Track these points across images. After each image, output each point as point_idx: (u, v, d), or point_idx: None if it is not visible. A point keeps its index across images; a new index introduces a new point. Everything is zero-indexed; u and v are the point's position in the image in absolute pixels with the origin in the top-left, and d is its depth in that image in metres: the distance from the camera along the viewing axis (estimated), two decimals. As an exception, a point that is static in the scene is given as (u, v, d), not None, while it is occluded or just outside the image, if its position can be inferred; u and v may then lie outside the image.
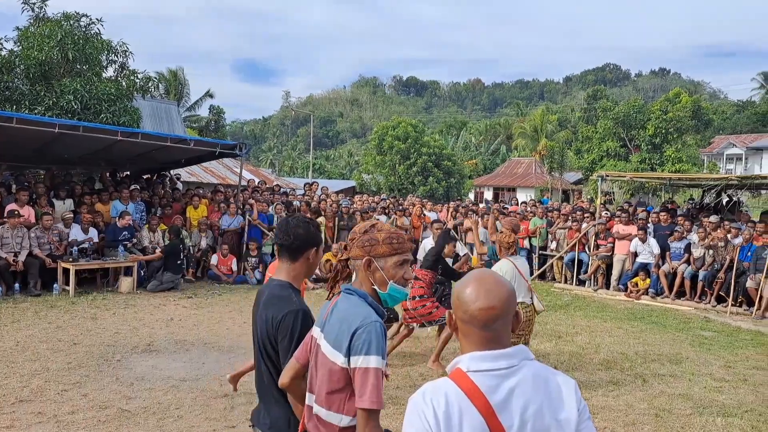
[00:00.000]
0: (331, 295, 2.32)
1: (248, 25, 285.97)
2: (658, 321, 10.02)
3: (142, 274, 11.13)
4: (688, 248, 11.92)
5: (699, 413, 5.58)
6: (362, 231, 2.23)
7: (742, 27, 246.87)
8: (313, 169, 48.32)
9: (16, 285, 9.85)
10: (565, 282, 13.41)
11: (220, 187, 14.99)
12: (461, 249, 9.85)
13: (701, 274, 11.57)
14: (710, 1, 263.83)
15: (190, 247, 12.30)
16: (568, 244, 13.40)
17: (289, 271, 2.55)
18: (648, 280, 12.15)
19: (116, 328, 8.12)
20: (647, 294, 12.03)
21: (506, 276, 5.85)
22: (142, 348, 7.21)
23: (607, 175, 15.55)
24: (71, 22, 14.54)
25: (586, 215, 13.84)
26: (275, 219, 13.27)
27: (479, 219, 13.49)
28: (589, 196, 28.38)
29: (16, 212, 10.08)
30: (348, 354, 2.02)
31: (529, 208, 15.77)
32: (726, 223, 12.11)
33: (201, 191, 13.99)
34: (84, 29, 14.70)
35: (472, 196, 39.34)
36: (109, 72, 15.59)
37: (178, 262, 11.17)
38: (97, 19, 14.97)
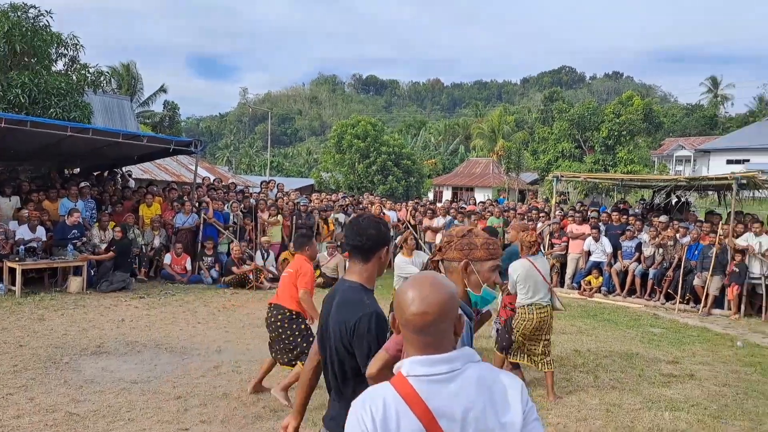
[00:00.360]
0: None
1: (204, 20, 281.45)
2: (610, 318, 10.26)
3: (93, 274, 10.80)
4: (639, 247, 12.26)
5: (648, 408, 5.73)
6: (460, 235, 2.30)
7: (691, 33, 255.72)
8: (270, 167, 47.84)
9: (-42, 285, 9.45)
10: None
11: (174, 185, 14.67)
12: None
13: (651, 272, 11.92)
14: (661, 8, 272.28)
15: (143, 246, 12.01)
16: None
17: (361, 272, 2.52)
18: (601, 279, 12.45)
19: (65, 329, 7.86)
20: (600, 292, 12.32)
21: (518, 276, 5.80)
22: (92, 350, 7.00)
23: (562, 176, 15.86)
24: (19, 13, 14.00)
25: (541, 215, 14.08)
26: (231, 217, 13.08)
27: (471, 220, 13.49)
28: (544, 196, 28.92)
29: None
30: None
31: (487, 208, 15.94)
32: (675, 222, 12.50)
33: (155, 189, 13.66)
34: (32, 21, 14.16)
35: (431, 195, 39.57)
36: (59, 65, 15.11)
37: (129, 260, 10.91)
38: (46, 11, 14.45)
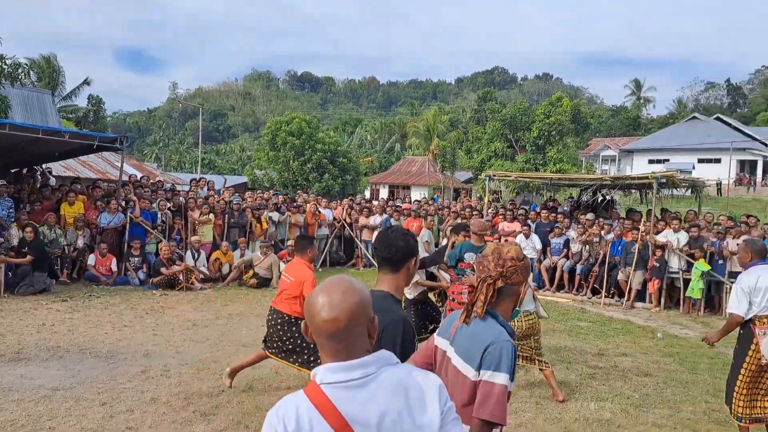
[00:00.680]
0: (465, 317, 2.37)
1: (132, 10, 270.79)
2: (539, 313, 10.55)
3: (10, 276, 10.21)
4: (567, 244, 12.69)
5: (575, 399, 5.93)
6: (519, 258, 2.39)
7: (615, 37, 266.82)
8: (202, 164, 46.65)
9: None
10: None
11: (99, 183, 14.06)
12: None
13: (578, 268, 12.36)
14: (587, 12, 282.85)
15: (65, 247, 11.46)
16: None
17: (390, 282, 2.62)
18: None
19: (-22, 336, 7.40)
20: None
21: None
22: (10, 356, 6.62)
23: (495, 175, 16.22)
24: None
25: (474, 212, 14.34)
26: (159, 216, 12.66)
27: (427, 219, 13.49)
28: (478, 195, 29.50)
29: None
30: (479, 368, 2.19)
31: (422, 206, 16.10)
32: (600, 220, 13.01)
33: (78, 187, 13.04)
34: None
35: (368, 193, 39.67)
36: (-29, 56, 14.17)
37: (47, 261, 10.38)
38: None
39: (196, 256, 12.20)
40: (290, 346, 5.67)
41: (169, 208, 12.87)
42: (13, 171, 14.31)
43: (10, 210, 11.20)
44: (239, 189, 19.32)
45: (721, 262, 11.04)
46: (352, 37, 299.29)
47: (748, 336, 4.67)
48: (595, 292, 12.14)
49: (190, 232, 12.70)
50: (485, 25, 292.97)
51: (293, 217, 14.54)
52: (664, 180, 12.52)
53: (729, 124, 49.09)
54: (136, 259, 11.86)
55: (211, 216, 13.00)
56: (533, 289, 6.03)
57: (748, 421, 4.68)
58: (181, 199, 13.59)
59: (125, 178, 14.17)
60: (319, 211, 15.21)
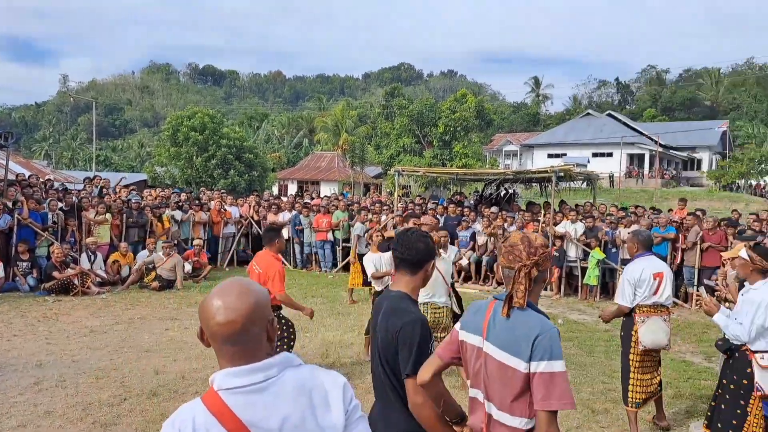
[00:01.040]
0: (508, 309, 2.31)
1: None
2: (448, 305, 10.78)
3: None
4: (473, 236, 13.06)
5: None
6: (546, 244, 2.41)
7: (514, 36, 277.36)
8: (97, 161, 44.15)
9: None
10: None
11: (-19, 182, 12.96)
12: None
13: (485, 259, 12.75)
14: (489, 10, 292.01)
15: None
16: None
17: (408, 283, 2.65)
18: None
19: None
20: (439, 280, 12.92)
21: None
22: None
23: (404, 170, 16.42)
24: None
25: (384, 207, 14.45)
26: (50, 217, 11.82)
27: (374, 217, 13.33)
28: (388, 190, 29.80)
29: None
30: (529, 359, 2.15)
31: (332, 202, 16.02)
32: (503, 213, 13.48)
33: (-44, 186, 11.95)
34: None
35: (276, 189, 39.05)
36: None
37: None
38: None
39: (92, 259, 11.51)
40: None
41: (61, 209, 12.04)
42: None
43: None
44: (138, 187, 18.40)
45: (614, 250, 11.73)
46: (256, 30, 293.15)
47: (629, 323, 4.99)
48: (500, 282, 12.55)
49: (84, 233, 11.96)
50: (392, 21, 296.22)
51: (197, 215, 14.04)
52: (562, 173, 13.15)
53: (620, 120, 52.42)
54: (25, 263, 11.02)
55: (108, 216, 12.30)
56: (448, 285, 6.02)
57: (641, 405, 4.97)
58: (74, 198, 12.76)
59: (11, 177, 13.14)
60: (225, 209, 14.77)
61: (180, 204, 14.11)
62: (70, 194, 13.31)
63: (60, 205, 12.11)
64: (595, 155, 47.70)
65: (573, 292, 12.14)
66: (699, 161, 51.53)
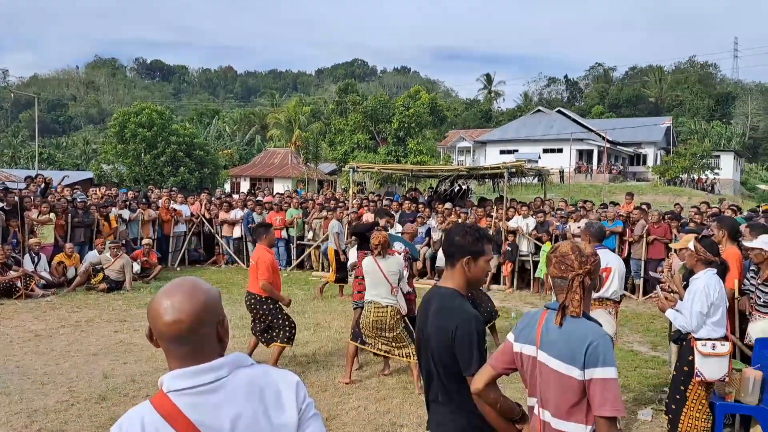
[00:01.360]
0: (561, 318, 2.31)
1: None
2: (404, 300, 10.83)
3: None
4: (428, 232, 13.15)
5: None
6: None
7: (466, 32, 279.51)
8: (40, 159, 42.54)
9: None
10: (322, 270, 13.81)
11: None
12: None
13: (439, 255, 12.86)
14: (439, 8, 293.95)
15: None
16: (323, 234, 13.80)
17: (452, 278, 2.60)
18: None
19: None
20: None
21: (370, 276, 5.74)
22: None
23: (358, 167, 16.41)
24: None
25: (339, 204, 14.40)
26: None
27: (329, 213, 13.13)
28: (343, 186, 29.73)
29: None
30: (583, 367, 2.17)
31: (284, 199, 15.86)
32: (457, 209, 13.62)
33: None
34: None
35: (228, 187, 38.42)
36: None
37: None
38: None
39: (35, 260, 11.08)
40: (263, 325, 6.25)
41: (2, 208, 11.55)
42: None
43: None
44: (84, 185, 17.82)
45: (564, 244, 12.00)
46: (205, 24, 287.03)
47: None
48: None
49: (27, 233, 11.51)
50: (344, 17, 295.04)
51: (145, 214, 13.67)
52: (514, 169, 13.38)
53: (569, 117, 53.60)
54: (-37, 266, 10.54)
55: (52, 215, 11.87)
56: (391, 284, 5.96)
57: None
58: (15, 197, 12.25)
59: (-55, 175, 12.51)
60: (175, 207, 14.44)
61: (128, 203, 13.72)
62: (12, 193, 12.77)
63: (1, 204, 11.62)
64: (545, 151, 48.67)
65: (525, 286, 12.37)
66: (645, 156, 53.18)
